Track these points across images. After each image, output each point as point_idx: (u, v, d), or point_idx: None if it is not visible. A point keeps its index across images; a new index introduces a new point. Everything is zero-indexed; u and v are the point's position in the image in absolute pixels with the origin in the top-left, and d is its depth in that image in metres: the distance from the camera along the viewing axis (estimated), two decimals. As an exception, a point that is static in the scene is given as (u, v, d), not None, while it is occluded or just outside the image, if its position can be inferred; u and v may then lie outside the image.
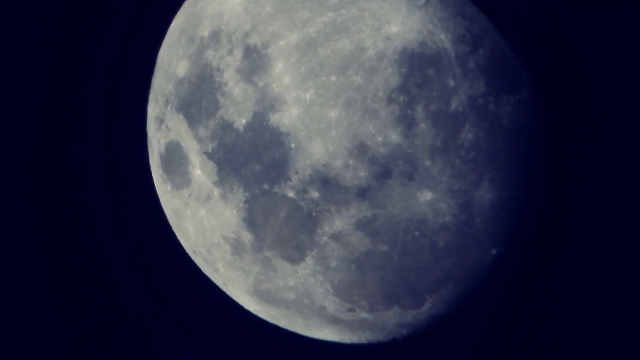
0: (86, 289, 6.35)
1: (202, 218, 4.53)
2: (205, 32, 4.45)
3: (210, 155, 4.33)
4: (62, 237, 6.32)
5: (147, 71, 5.02)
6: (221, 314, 5.69)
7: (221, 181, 4.32)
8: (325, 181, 4.05)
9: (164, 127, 4.65)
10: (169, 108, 4.60)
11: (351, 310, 4.51)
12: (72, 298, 6.33)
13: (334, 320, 4.62)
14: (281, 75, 4.07)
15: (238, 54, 4.22)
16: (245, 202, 4.26)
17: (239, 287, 4.76)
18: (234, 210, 4.33)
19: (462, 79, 3.98)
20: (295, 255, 4.29)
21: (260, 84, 4.11)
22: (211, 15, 4.46)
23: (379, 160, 3.98)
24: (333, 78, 3.99)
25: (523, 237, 4.42)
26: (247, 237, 4.37)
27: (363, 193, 4.05)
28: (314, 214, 4.14)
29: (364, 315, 4.53)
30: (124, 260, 6.34)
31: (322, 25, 4.05)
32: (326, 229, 4.16)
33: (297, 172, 4.08)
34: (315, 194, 4.10)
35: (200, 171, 4.40)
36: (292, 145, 4.06)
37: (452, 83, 3.97)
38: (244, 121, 4.16)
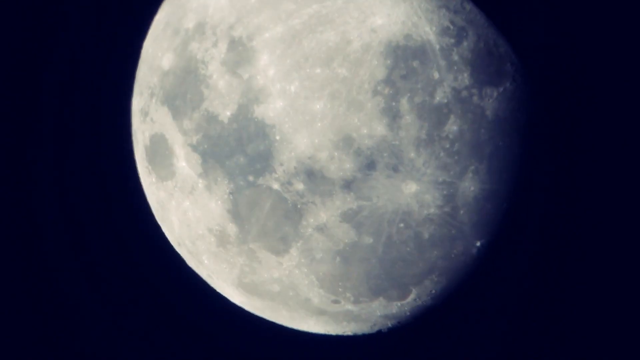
0: (71, 280, 6.33)
1: (187, 210, 4.52)
2: (190, 24, 4.43)
3: (194, 147, 4.32)
4: (46, 228, 6.29)
5: (131, 63, 5.00)
6: (206, 306, 5.69)
7: (206, 173, 4.31)
8: (310, 173, 4.06)
9: (149, 120, 4.64)
10: (153, 100, 4.59)
11: (336, 302, 4.52)
12: (56, 290, 6.31)
13: (319, 312, 4.63)
14: (266, 67, 4.06)
15: (223, 46, 4.21)
16: (230, 193, 4.26)
17: (223, 279, 4.75)
18: (219, 202, 4.33)
19: (446, 71, 3.99)
20: (280, 247, 4.30)
21: (245, 76, 4.11)
22: (196, 8, 4.45)
23: (364, 152, 3.99)
24: (318, 70, 3.99)
25: (507, 229, 4.44)
26: (231, 229, 4.37)
27: (348, 185, 4.05)
28: (298, 206, 4.14)
29: (349, 306, 4.54)
30: (109, 252, 6.32)
31: (307, 17, 4.05)
32: (311, 220, 4.17)
33: (282, 164, 4.08)
34: (300, 186, 4.10)
35: (185, 163, 4.40)
36: (277, 137, 4.05)
37: (436, 75, 3.98)
38: (228, 113, 4.15)
